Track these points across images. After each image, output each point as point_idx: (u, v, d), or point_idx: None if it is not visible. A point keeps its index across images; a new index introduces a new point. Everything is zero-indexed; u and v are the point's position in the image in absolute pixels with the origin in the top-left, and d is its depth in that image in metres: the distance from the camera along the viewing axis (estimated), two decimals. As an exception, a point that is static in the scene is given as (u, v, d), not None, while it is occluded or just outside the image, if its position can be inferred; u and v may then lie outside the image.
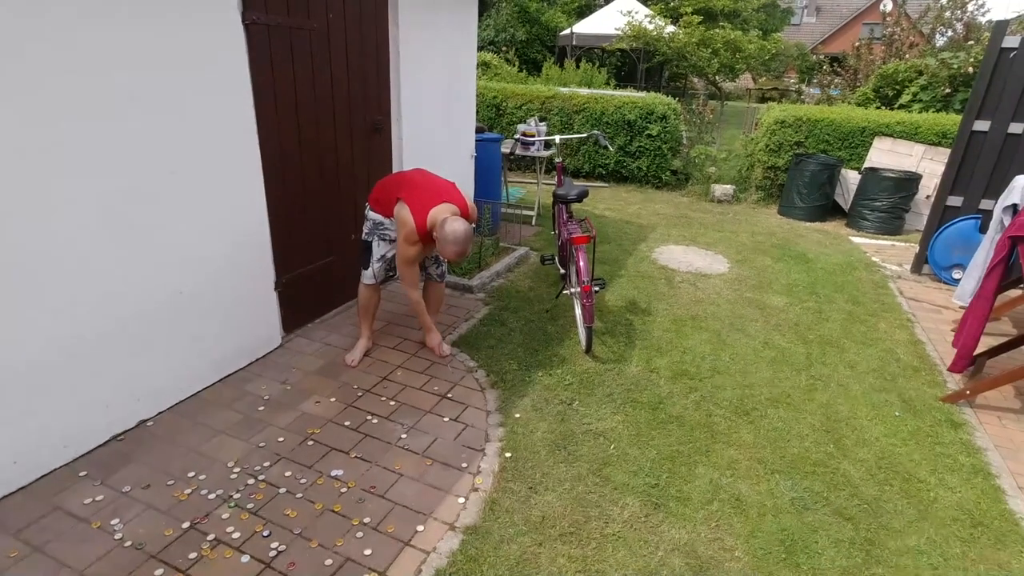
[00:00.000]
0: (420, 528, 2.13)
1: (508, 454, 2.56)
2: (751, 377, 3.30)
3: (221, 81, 2.70)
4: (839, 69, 12.48)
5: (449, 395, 2.98)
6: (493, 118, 8.41)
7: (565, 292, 3.72)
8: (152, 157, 2.46)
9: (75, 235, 2.23)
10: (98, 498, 2.20)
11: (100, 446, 2.47)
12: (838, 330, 3.93)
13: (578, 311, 3.58)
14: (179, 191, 2.60)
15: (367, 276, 3.13)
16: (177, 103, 2.52)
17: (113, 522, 2.09)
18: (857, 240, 6.07)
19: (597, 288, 3.33)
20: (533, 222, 6.07)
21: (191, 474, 2.34)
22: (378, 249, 3.08)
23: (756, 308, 4.22)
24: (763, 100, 18.46)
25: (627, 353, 3.48)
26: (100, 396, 2.45)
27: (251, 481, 2.33)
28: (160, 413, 2.70)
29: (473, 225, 2.97)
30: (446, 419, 2.79)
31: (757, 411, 2.98)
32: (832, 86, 12.20)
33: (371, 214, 3.08)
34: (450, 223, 2.76)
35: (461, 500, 2.28)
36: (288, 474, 2.37)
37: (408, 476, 2.40)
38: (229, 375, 3.04)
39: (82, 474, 2.31)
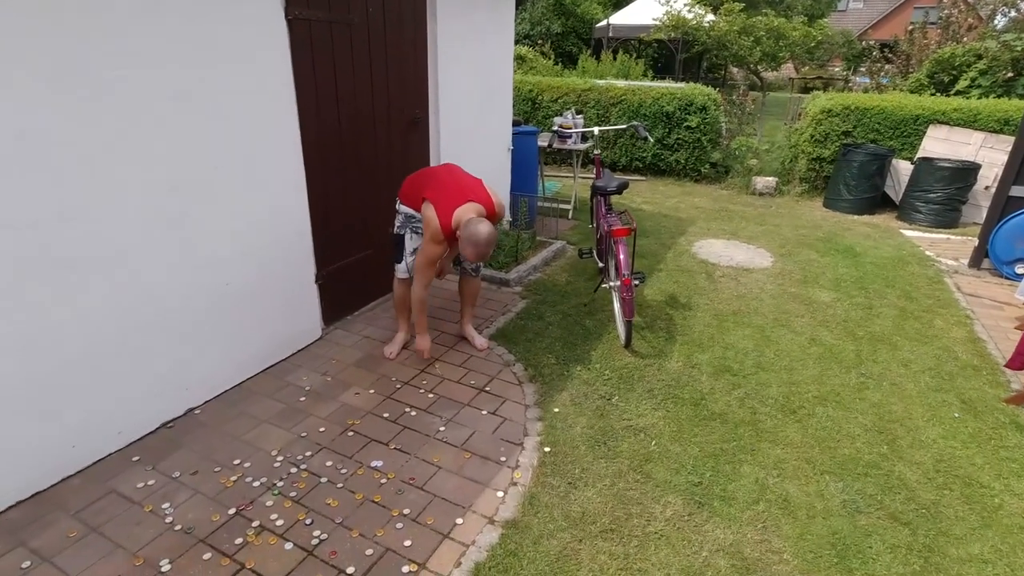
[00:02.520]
0: (459, 521, 2.13)
1: (547, 449, 2.53)
2: (797, 374, 3.18)
3: (264, 76, 2.74)
4: (890, 55, 11.95)
5: (487, 388, 2.97)
6: (529, 112, 8.36)
7: (603, 286, 3.67)
8: (196, 151, 2.52)
9: (126, 228, 2.30)
10: (150, 483, 2.27)
11: (151, 433, 2.55)
12: (890, 327, 3.76)
13: (617, 305, 3.52)
14: (224, 185, 2.66)
15: (400, 270, 3.14)
16: (222, 98, 2.57)
17: (164, 506, 2.16)
18: (909, 234, 5.80)
19: (637, 282, 3.27)
20: (569, 216, 6.01)
21: (236, 461, 2.39)
22: (410, 242, 3.08)
23: (801, 303, 4.08)
24: (806, 90, 17.84)
25: (667, 348, 3.41)
26: (151, 385, 2.53)
27: (293, 470, 2.36)
28: (207, 402, 2.77)
29: (507, 219, 2.93)
30: (484, 412, 2.78)
31: (804, 409, 2.87)
32: (883, 73, 11.69)
33: (402, 208, 3.08)
34: (472, 225, 2.71)
35: (500, 494, 2.26)
36: (329, 464, 2.40)
37: (446, 469, 2.40)
38: (271, 366, 3.10)
39: (135, 459, 2.39)
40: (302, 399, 2.84)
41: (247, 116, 2.70)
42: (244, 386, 2.92)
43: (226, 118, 2.60)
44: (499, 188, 5.00)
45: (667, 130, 7.57)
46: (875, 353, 3.43)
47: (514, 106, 8.48)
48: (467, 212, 2.78)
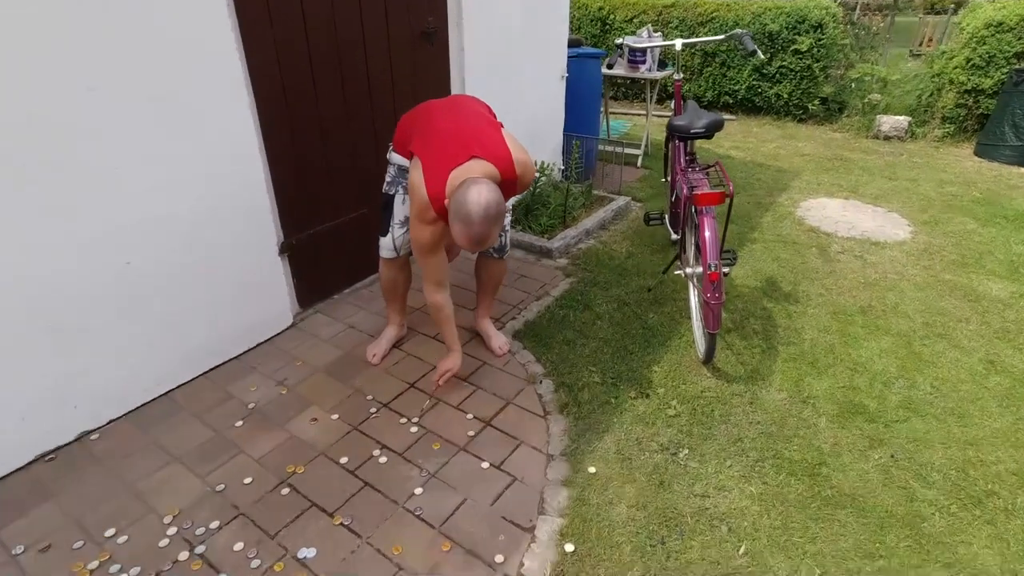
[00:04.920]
0: None
1: (569, 546, 1.62)
2: (974, 424, 2.07)
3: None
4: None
5: (495, 422, 2.07)
6: (597, 36, 7.03)
7: (677, 272, 2.61)
8: (69, 70, 1.65)
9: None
10: (-19, 562, 1.56)
11: (20, 469, 1.84)
12: (1111, 344, 2.52)
13: (694, 301, 2.48)
14: (111, 120, 1.79)
15: (385, 247, 2.20)
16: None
17: (-20, 611, 1.45)
18: (1108, 195, 4.26)
19: (726, 270, 2.21)
20: (638, 163, 4.85)
21: (110, 532, 1.64)
22: (401, 208, 2.14)
23: (963, 299, 2.86)
24: (932, 11, 14.88)
25: (765, 366, 2.36)
26: (27, 403, 1.81)
27: (184, 555, 1.58)
28: (112, 421, 2.04)
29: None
30: (485, 465, 1.89)
31: (997, 498, 1.79)
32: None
33: (394, 156, 2.13)
34: (462, 192, 1.67)
35: (482, 638, 1.40)
36: (238, 548, 1.60)
37: (408, 571, 1.55)
38: (221, 365, 2.33)
39: (-18, 515, 1.70)
40: (239, 424, 2.05)
41: (144, 23, 1.79)
42: (172, 396, 2.17)
43: (113, 27, 1.71)
44: (551, 127, 3.92)
45: (768, 56, 6.08)
46: (1100, 393, 2.24)
47: (579, 30, 7.16)
48: (466, 173, 1.76)
